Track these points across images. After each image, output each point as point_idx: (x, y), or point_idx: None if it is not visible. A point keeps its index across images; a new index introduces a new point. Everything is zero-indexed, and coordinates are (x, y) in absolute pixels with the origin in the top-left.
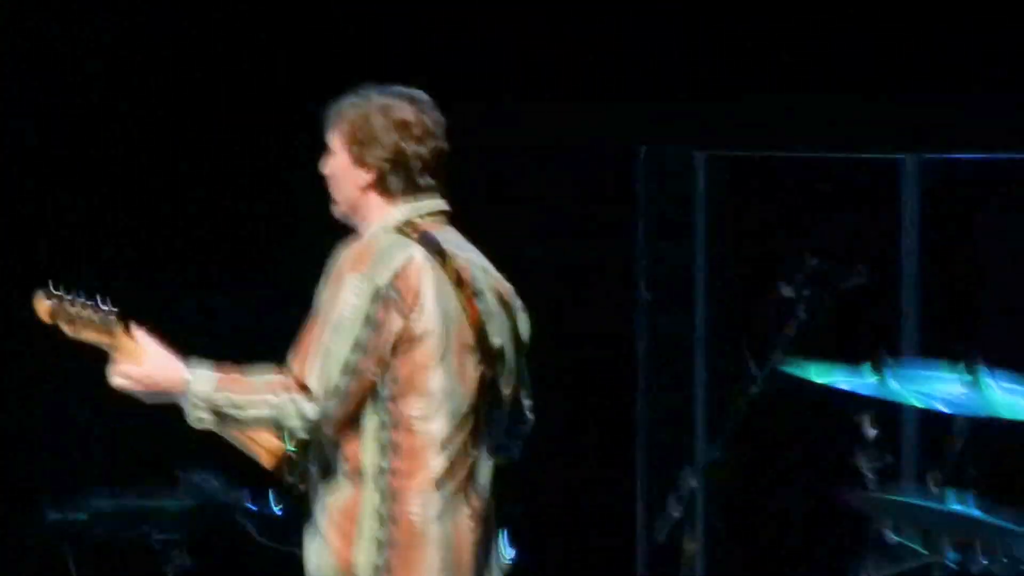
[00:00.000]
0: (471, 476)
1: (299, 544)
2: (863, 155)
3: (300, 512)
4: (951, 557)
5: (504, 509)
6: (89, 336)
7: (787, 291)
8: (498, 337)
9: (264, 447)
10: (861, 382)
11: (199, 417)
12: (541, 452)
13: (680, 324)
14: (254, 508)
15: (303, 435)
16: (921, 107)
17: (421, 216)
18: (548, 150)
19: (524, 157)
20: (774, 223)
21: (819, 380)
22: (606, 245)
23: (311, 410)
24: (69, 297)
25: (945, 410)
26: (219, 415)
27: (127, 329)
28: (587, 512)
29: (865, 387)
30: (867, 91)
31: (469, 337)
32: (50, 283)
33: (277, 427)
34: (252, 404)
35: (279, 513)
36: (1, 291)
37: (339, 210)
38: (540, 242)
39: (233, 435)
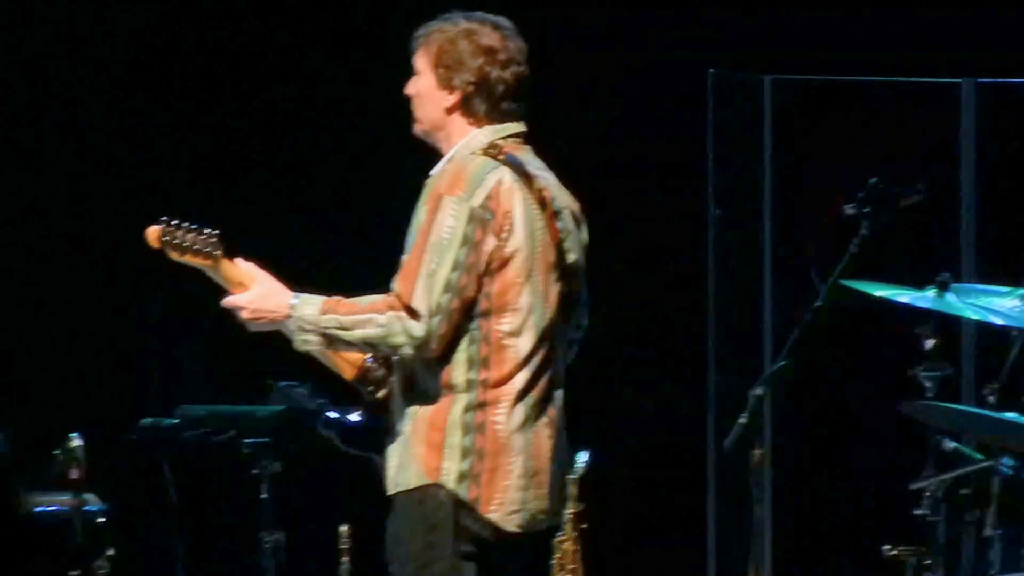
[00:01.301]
0: (549, 389)
1: (377, 450)
2: (923, 79)
3: (377, 421)
4: (1006, 463)
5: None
6: (193, 260)
7: (850, 209)
8: (573, 254)
9: (345, 358)
10: (920, 296)
11: (305, 339)
12: (616, 366)
13: (749, 241)
14: (334, 417)
15: (410, 352)
16: (979, 33)
17: (503, 138)
18: (623, 72)
19: (599, 80)
20: (837, 144)
21: (880, 294)
22: (679, 166)
23: (418, 328)
24: (176, 224)
25: (999, 322)
26: (325, 337)
27: (230, 256)
28: (660, 425)
29: (924, 301)
30: (927, 17)
31: (551, 255)
32: (163, 217)
33: (384, 346)
34: (359, 324)
35: (357, 422)
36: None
37: (420, 128)
38: (617, 163)
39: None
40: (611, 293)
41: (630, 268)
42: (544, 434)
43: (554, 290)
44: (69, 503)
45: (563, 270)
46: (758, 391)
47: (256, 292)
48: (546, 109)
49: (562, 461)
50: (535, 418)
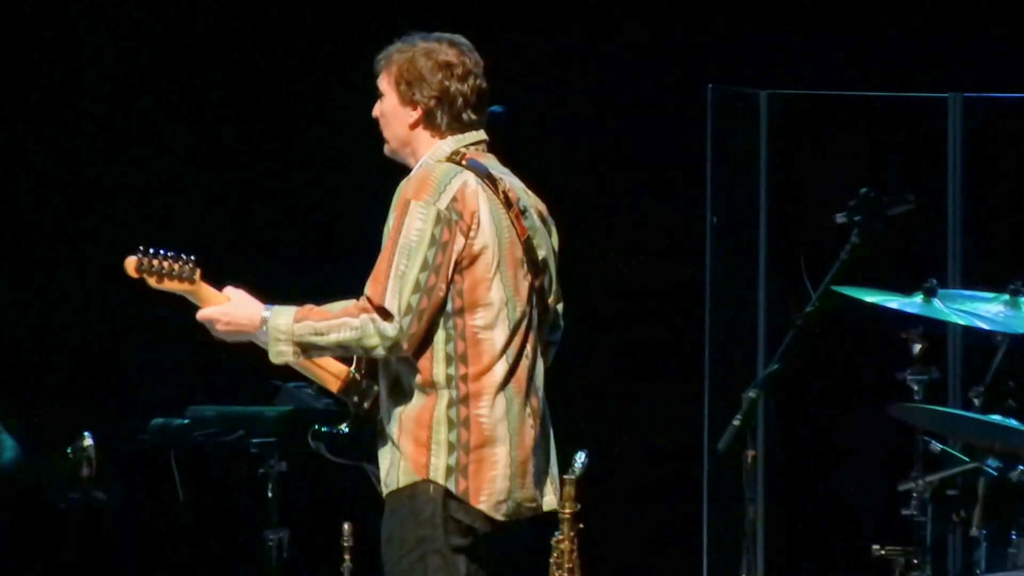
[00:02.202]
0: (529, 379)
1: (368, 459)
2: (911, 94)
3: (365, 430)
4: (991, 464)
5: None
6: (172, 286)
7: (841, 218)
8: (542, 250)
9: (330, 372)
10: (908, 302)
11: (280, 351)
12: (615, 369)
13: (745, 248)
14: (323, 429)
15: (383, 353)
16: (965, 50)
17: (466, 146)
18: (626, 86)
19: (603, 94)
20: (830, 156)
21: (870, 300)
22: (679, 176)
23: (390, 328)
24: (153, 252)
25: (985, 327)
26: (300, 345)
27: (209, 282)
28: (656, 426)
29: (912, 306)
30: (915, 34)
31: (519, 251)
32: (140, 247)
33: (358, 348)
34: (333, 328)
35: (346, 433)
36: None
37: (389, 148)
38: (620, 172)
39: (301, 363)
40: (611, 297)
41: (631, 273)
42: (527, 424)
43: (525, 284)
44: (81, 500)
45: (532, 265)
46: (751, 393)
47: (229, 305)
48: (553, 123)
49: (547, 451)
50: (518, 409)
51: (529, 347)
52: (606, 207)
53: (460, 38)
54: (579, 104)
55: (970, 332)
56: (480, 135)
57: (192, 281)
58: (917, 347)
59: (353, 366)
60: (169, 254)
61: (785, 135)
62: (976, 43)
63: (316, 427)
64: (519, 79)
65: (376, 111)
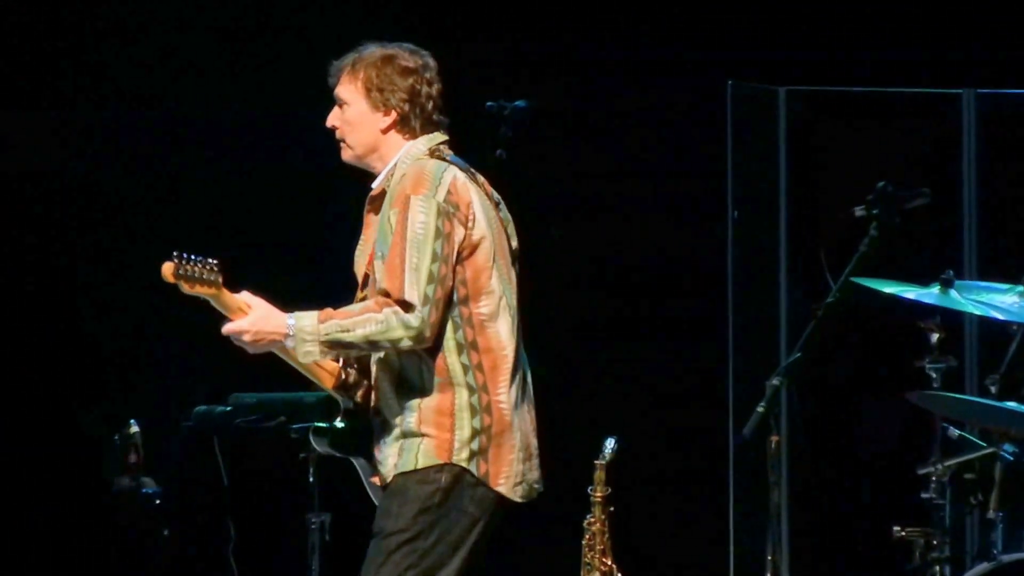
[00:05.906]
0: (523, 365)
1: (361, 452)
2: (927, 90)
3: (358, 422)
4: (1007, 449)
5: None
6: (201, 291)
7: (859, 211)
8: (514, 240)
9: (325, 369)
10: (925, 293)
11: (307, 351)
12: (642, 358)
13: (765, 241)
14: (324, 425)
15: (409, 344)
16: (978, 46)
17: (437, 145)
18: (648, 84)
19: (626, 91)
20: (847, 150)
21: (888, 291)
22: (700, 171)
23: (413, 319)
24: (186, 258)
25: (1001, 317)
26: (327, 344)
27: (230, 288)
28: (683, 413)
29: (929, 297)
30: (930, 31)
31: (505, 242)
32: (174, 252)
33: (384, 341)
34: (359, 324)
35: (343, 426)
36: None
37: (352, 154)
38: (643, 168)
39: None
40: (638, 290)
41: (655, 267)
42: (525, 408)
43: (512, 273)
44: (128, 486)
45: (512, 255)
46: (775, 381)
47: (255, 316)
48: (574, 120)
49: (536, 435)
50: (522, 396)
51: (521, 336)
52: (629, 203)
53: (413, 46)
54: (600, 101)
55: (986, 322)
56: (445, 135)
57: (218, 286)
58: (934, 337)
59: (342, 362)
60: (199, 260)
61: (804, 131)
62: (989, 39)
63: (316, 424)
64: (540, 75)
65: (334, 120)
